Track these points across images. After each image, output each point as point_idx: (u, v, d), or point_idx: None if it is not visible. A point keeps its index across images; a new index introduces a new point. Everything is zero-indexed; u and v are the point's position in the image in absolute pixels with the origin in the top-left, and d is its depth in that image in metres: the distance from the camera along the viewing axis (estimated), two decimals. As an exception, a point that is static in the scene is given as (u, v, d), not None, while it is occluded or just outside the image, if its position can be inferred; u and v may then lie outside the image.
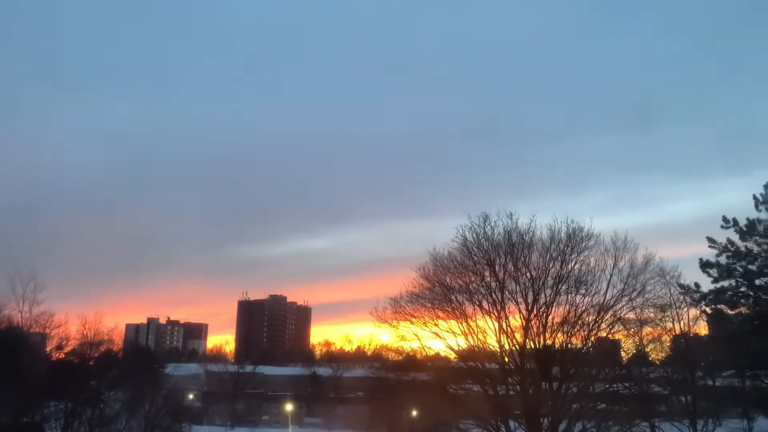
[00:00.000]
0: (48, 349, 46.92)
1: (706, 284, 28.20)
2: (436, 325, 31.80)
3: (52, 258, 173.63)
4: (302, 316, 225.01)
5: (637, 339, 33.03)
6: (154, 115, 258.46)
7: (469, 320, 31.21)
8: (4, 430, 39.89)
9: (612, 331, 31.30)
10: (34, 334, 44.93)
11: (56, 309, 44.88)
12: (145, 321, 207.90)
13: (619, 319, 30.39)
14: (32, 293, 42.52)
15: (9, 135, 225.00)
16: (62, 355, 47.66)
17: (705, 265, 27.66)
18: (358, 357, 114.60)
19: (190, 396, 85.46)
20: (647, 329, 32.61)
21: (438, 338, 32.11)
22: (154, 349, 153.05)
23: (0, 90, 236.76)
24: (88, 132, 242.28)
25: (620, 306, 30.01)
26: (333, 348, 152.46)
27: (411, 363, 34.79)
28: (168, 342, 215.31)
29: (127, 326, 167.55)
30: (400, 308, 31.88)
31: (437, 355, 34.12)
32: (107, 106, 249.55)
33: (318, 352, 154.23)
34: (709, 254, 27.75)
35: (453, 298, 31.47)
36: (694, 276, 29.74)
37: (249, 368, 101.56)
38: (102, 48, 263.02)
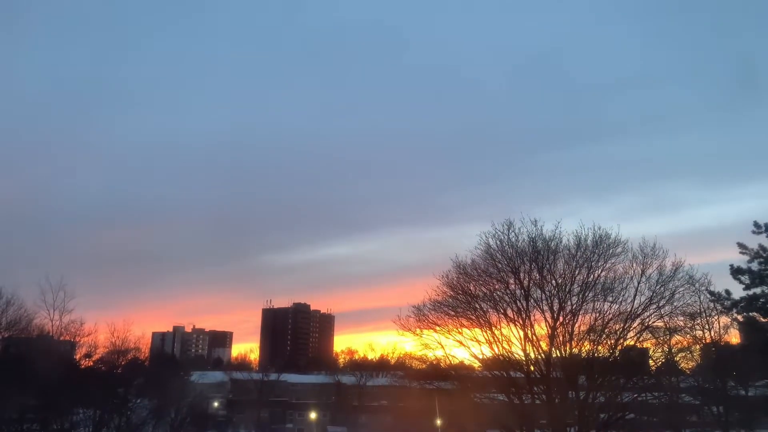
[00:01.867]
0: (77, 356, 47.70)
1: (738, 291, 27.50)
2: (459, 333, 31.63)
3: (82, 268, 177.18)
4: (325, 323, 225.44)
5: (666, 348, 32.25)
6: (178, 125, 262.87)
7: (494, 328, 30.96)
8: (35, 436, 40.59)
9: (640, 339, 30.68)
10: (63, 343, 45.73)
11: (85, 318, 45.67)
12: (171, 329, 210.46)
13: (648, 327, 29.79)
14: (62, 302, 43.35)
15: (38, 149, 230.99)
16: (91, 363, 48.39)
17: (736, 272, 26.98)
18: (382, 365, 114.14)
19: (215, 404, 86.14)
20: (676, 338, 31.85)
21: (462, 346, 31.92)
22: (180, 357, 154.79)
23: (27, 104, 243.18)
24: (115, 146, 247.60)
25: (648, 314, 29.48)
26: (356, 356, 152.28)
27: (435, 371, 34.52)
28: (193, 350, 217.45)
29: (154, 334, 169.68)
30: (423, 316, 31.81)
31: (461, 363, 33.83)
32: (132, 118, 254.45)
33: (341, 360, 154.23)
34: (741, 260, 27.07)
35: (477, 306, 31.25)
36: (724, 283, 29.01)
37: (273, 376, 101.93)
38: (112, 59, 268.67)
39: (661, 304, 29.24)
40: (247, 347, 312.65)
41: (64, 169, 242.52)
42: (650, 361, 34.15)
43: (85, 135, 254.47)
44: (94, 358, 48.17)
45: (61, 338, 45.70)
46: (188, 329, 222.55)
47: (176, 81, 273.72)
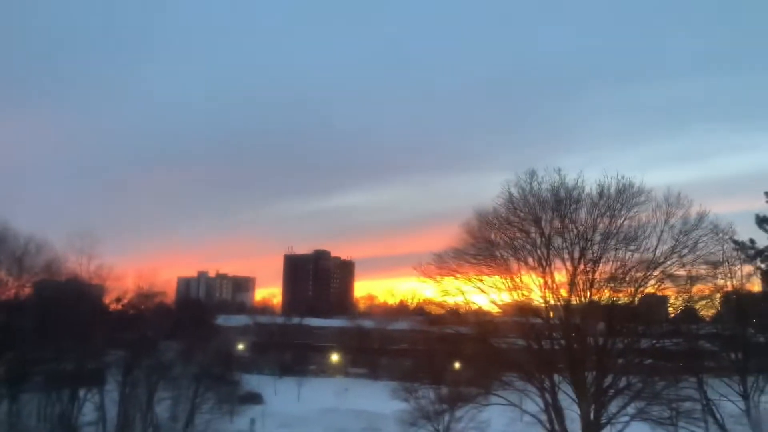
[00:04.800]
0: (107, 300, 49.33)
1: (762, 240, 27.28)
2: (480, 280, 31.85)
3: (109, 214, 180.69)
4: (346, 270, 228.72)
5: (686, 296, 32.28)
6: (202, 73, 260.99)
7: (514, 276, 31.17)
8: (70, 376, 42.51)
9: (660, 287, 30.72)
10: (94, 286, 47.12)
11: (111, 262, 46.79)
12: (195, 275, 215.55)
13: (669, 275, 29.78)
14: (90, 247, 44.33)
15: (63, 91, 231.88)
16: (120, 307, 50.06)
17: (762, 221, 26.75)
18: (401, 311, 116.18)
19: (240, 346, 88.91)
20: (698, 286, 31.80)
21: (481, 293, 32.22)
22: (205, 302, 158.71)
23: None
24: (138, 95, 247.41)
25: (670, 263, 29.35)
26: (376, 302, 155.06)
27: (454, 317, 35.08)
28: (218, 295, 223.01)
29: (179, 279, 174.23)
30: (444, 263, 32.02)
31: (480, 309, 34.29)
32: (164, 65, 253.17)
33: (362, 305, 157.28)
34: (767, 209, 26.73)
35: (497, 254, 31.37)
36: (749, 232, 28.75)
37: (296, 320, 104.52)
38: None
39: (683, 253, 29.02)
40: (269, 292, 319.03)
41: (92, 112, 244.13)
42: (670, 309, 34.30)
43: (114, 77, 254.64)
44: (123, 302, 49.84)
45: (92, 282, 47.09)
46: (212, 274, 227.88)
47: (206, 28, 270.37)
